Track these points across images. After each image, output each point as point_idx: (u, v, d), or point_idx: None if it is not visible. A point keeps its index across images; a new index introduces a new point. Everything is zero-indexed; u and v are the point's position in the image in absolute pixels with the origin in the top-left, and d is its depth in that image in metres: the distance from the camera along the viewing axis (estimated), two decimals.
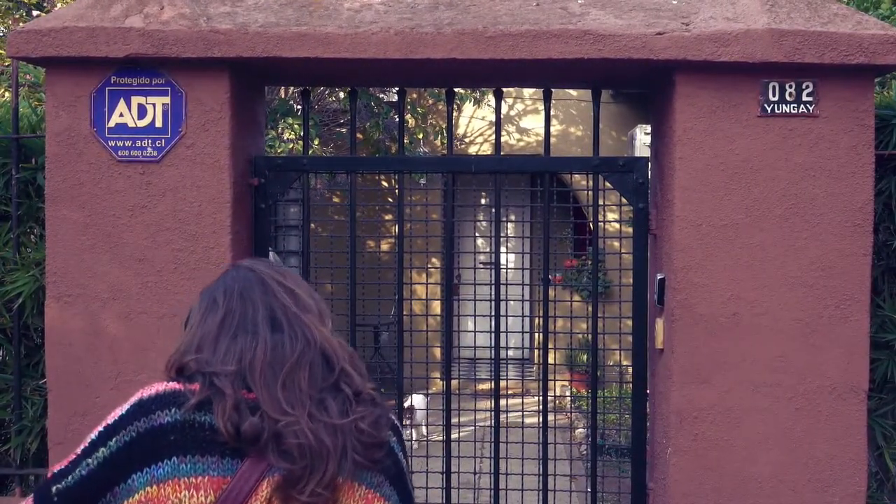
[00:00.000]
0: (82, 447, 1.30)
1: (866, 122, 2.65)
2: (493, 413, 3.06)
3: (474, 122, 9.02)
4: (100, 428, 1.30)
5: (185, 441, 1.25)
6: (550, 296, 3.09)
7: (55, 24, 2.65)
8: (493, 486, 3.05)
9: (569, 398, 7.28)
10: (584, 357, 7.66)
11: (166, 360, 1.38)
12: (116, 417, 1.30)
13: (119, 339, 2.70)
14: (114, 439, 1.27)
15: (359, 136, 7.27)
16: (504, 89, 3.18)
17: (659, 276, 2.82)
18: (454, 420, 3.22)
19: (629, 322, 2.99)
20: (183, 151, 2.70)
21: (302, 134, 3.21)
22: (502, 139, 3.23)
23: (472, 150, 8.97)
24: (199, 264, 2.70)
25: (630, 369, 2.99)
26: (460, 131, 8.94)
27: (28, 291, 2.98)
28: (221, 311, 1.37)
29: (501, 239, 3.04)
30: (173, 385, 1.30)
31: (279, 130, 6.79)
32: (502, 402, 3.10)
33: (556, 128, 8.75)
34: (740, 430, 2.66)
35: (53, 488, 1.28)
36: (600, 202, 3.15)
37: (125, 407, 1.30)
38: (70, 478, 1.28)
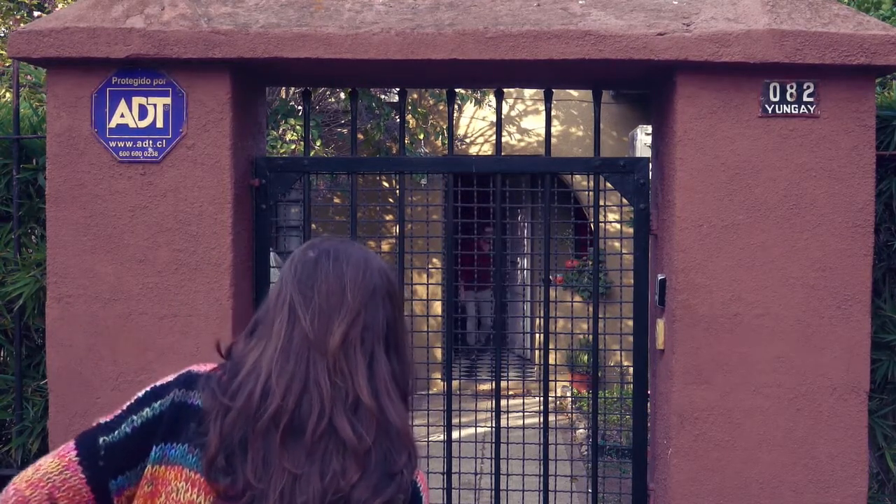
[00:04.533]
0: (129, 404, 1.26)
1: (867, 122, 2.65)
2: (493, 413, 3.06)
3: (475, 122, 9.02)
4: (148, 388, 1.27)
5: (201, 434, 1.20)
6: (551, 296, 3.08)
7: (56, 24, 2.66)
8: (493, 487, 3.05)
9: (570, 399, 7.28)
10: (585, 358, 7.66)
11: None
12: (167, 381, 1.26)
13: (120, 339, 2.70)
14: (158, 402, 1.24)
15: (360, 136, 7.28)
16: (505, 90, 3.18)
17: (660, 277, 2.82)
18: (454, 420, 3.21)
19: (630, 322, 2.99)
20: (184, 152, 2.70)
21: (303, 135, 3.21)
22: (503, 139, 3.23)
23: (473, 150, 8.97)
24: (199, 265, 2.70)
25: (631, 370, 2.99)
26: (461, 132, 8.94)
27: (29, 292, 2.98)
28: (268, 315, 1.26)
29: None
30: (217, 370, 1.26)
31: (280, 131, 6.79)
32: (503, 402, 3.10)
33: (556, 128, 8.75)
34: (741, 430, 2.66)
35: (101, 440, 1.24)
36: (601, 203, 3.15)
37: (178, 373, 1.27)
38: (117, 433, 1.24)
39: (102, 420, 1.27)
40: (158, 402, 1.24)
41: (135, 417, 1.23)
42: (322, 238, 1.36)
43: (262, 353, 1.23)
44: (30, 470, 1.24)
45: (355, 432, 1.19)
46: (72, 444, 1.26)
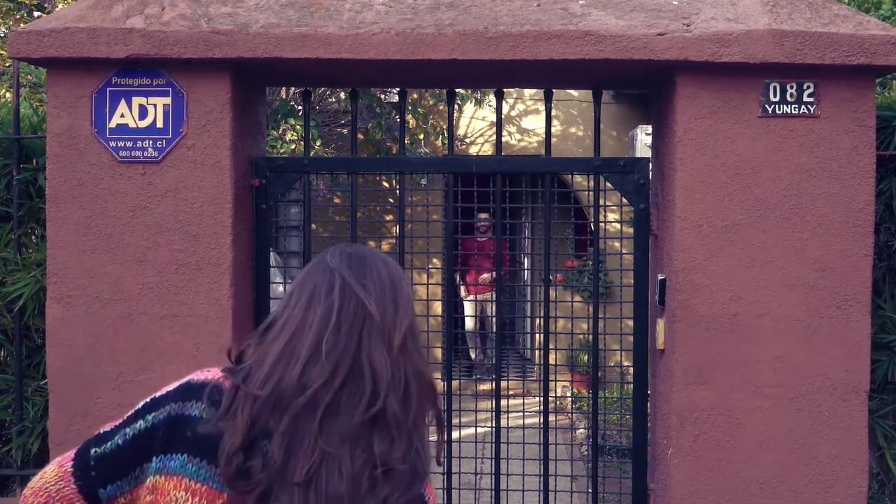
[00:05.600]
0: (128, 414, 1.29)
1: (867, 122, 2.65)
2: (493, 413, 3.06)
3: (475, 122, 9.02)
4: (147, 399, 1.29)
5: (198, 442, 1.21)
6: (551, 296, 3.08)
7: (56, 24, 2.66)
8: (493, 487, 3.05)
9: (570, 399, 7.28)
10: (585, 358, 7.66)
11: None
12: (164, 393, 1.28)
13: (120, 339, 2.70)
14: (152, 414, 1.25)
15: (360, 136, 7.28)
16: (505, 90, 3.18)
17: (660, 277, 2.82)
18: (454, 420, 3.21)
19: (630, 322, 2.99)
20: (184, 152, 2.70)
21: (303, 135, 3.21)
22: (503, 139, 3.23)
23: (473, 150, 8.97)
24: (199, 265, 2.70)
25: (631, 370, 2.99)
26: (461, 132, 8.94)
27: (29, 292, 2.99)
28: (287, 312, 1.27)
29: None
30: (220, 377, 1.26)
31: (280, 131, 6.79)
32: (503, 402, 3.10)
33: (556, 128, 8.75)
34: (741, 430, 2.66)
35: (92, 451, 1.28)
36: (601, 203, 3.15)
37: (177, 384, 1.28)
38: (109, 444, 1.27)
39: (105, 428, 1.30)
40: (152, 415, 1.25)
41: (128, 430, 1.27)
42: (346, 244, 1.39)
43: (291, 340, 1.23)
44: (36, 477, 1.31)
45: (406, 418, 1.22)
46: (72, 453, 1.30)
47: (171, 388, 1.28)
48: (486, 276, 8.20)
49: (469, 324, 8.68)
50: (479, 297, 8.37)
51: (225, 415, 1.20)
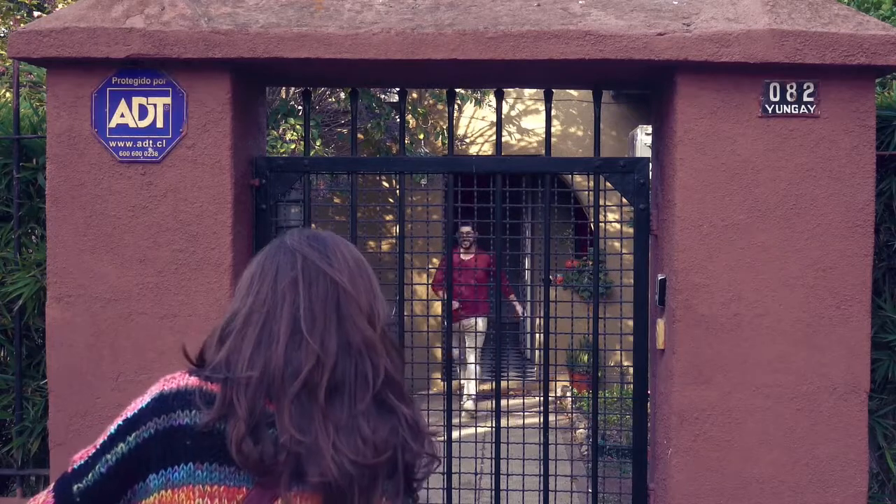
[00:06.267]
0: (101, 440, 1.24)
1: (867, 122, 2.65)
2: (494, 413, 3.06)
3: (475, 122, 9.02)
4: (119, 421, 1.24)
5: (202, 448, 1.19)
6: (551, 296, 3.08)
7: (56, 24, 2.66)
8: (493, 487, 3.05)
9: (570, 399, 7.28)
10: (585, 358, 7.66)
11: (205, 340, 1.29)
12: (136, 410, 1.23)
13: (120, 339, 2.70)
14: (132, 435, 1.21)
15: (360, 136, 7.28)
16: (505, 90, 3.17)
17: (660, 277, 2.82)
18: (454, 420, 3.21)
19: (630, 322, 2.99)
20: (184, 152, 2.70)
21: (303, 135, 3.21)
22: (503, 139, 3.23)
23: (473, 150, 8.97)
24: (199, 265, 2.70)
25: (631, 370, 2.99)
26: (461, 132, 8.94)
27: (29, 292, 2.99)
28: (250, 298, 1.25)
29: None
30: (194, 381, 1.22)
31: (280, 131, 6.79)
32: (503, 402, 3.10)
33: (556, 128, 8.75)
34: (741, 430, 2.66)
35: (74, 487, 1.23)
36: (601, 203, 3.15)
37: (145, 399, 1.23)
38: (90, 475, 1.22)
39: (76, 461, 1.25)
40: (133, 436, 1.21)
41: (108, 456, 1.22)
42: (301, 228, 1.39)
43: (265, 324, 1.22)
44: None
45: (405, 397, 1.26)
46: (49, 494, 1.25)
47: (142, 404, 1.23)
48: (469, 320, 6.82)
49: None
50: (463, 322, 6.98)
51: (223, 409, 1.18)
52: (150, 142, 2.71)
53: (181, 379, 1.24)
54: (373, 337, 1.25)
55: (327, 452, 1.16)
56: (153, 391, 1.23)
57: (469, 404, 6.76)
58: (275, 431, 1.18)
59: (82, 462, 1.24)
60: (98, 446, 1.24)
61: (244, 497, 1.18)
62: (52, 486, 1.26)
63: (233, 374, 1.20)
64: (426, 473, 1.30)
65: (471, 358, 7.00)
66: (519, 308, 7.18)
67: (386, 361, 1.25)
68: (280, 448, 1.17)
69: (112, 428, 1.24)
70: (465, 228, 7.05)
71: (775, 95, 2.64)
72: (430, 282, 6.67)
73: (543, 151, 3.12)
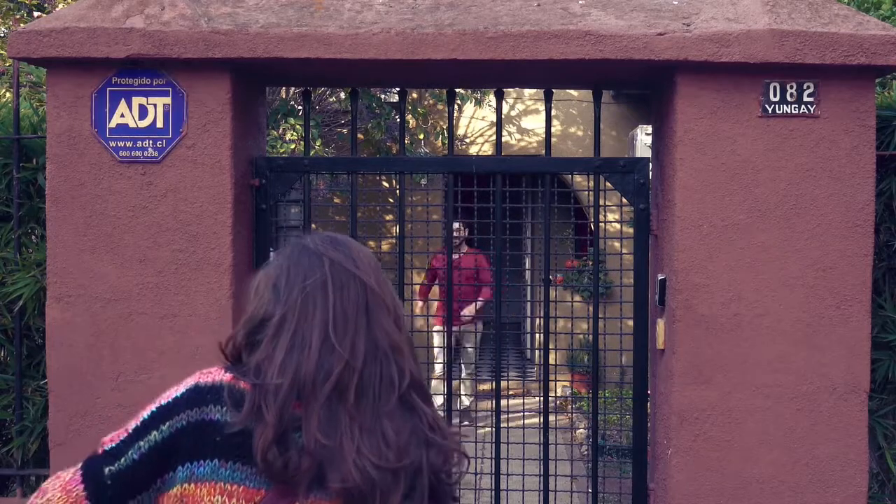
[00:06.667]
0: (134, 425, 1.23)
1: (867, 122, 2.65)
2: (493, 413, 3.06)
3: (475, 122, 9.02)
4: (153, 408, 1.23)
5: (229, 446, 1.19)
6: (551, 296, 3.08)
7: (56, 24, 2.66)
8: (493, 487, 3.05)
9: (570, 399, 7.28)
10: (585, 358, 7.65)
11: (227, 337, 1.29)
12: (171, 399, 1.23)
13: (120, 339, 2.70)
14: (167, 424, 1.21)
15: (360, 136, 7.27)
16: (505, 90, 3.17)
17: (660, 277, 2.82)
18: (454, 420, 3.21)
19: (630, 322, 2.99)
20: (184, 152, 2.70)
21: (303, 135, 3.21)
22: (503, 139, 3.23)
23: (473, 150, 8.97)
24: (199, 265, 2.70)
25: (631, 370, 2.99)
26: (461, 132, 8.94)
27: (29, 292, 2.99)
28: (280, 304, 1.25)
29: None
30: (229, 377, 1.22)
31: (280, 131, 6.79)
32: (503, 402, 3.10)
33: (556, 128, 8.74)
34: (741, 430, 2.66)
35: (106, 470, 1.21)
36: (601, 203, 3.15)
37: (180, 389, 1.23)
38: (123, 460, 1.21)
39: (107, 443, 1.24)
40: (167, 425, 1.21)
41: (141, 443, 1.21)
42: (314, 231, 1.40)
43: (297, 330, 1.22)
44: (37, 502, 1.23)
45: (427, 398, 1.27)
46: (78, 476, 1.23)
47: (176, 393, 1.23)
48: (467, 310, 6.43)
49: (437, 368, 5.98)
50: (455, 327, 6.15)
51: (251, 414, 1.18)
52: (150, 142, 2.71)
53: (217, 374, 1.24)
54: (399, 339, 1.25)
55: (350, 456, 1.16)
56: (189, 382, 1.23)
57: (466, 402, 6.60)
58: (301, 436, 1.18)
59: (114, 445, 1.23)
60: (130, 431, 1.23)
61: (262, 499, 1.19)
62: (78, 465, 1.24)
63: (263, 381, 1.20)
64: (458, 473, 1.29)
65: (465, 367, 6.80)
66: (468, 310, 6.51)
67: (410, 363, 1.26)
68: (304, 455, 1.16)
69: (145, 414, 1.24)
70: (455, 225, 6.20)
71: (775, 95, 2.64)
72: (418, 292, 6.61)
73: (543, 151, 3.12)
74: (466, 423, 6.08)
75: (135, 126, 2.71)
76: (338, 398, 1.19)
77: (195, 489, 1.20)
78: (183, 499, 1.21)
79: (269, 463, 1.16)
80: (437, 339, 6.54)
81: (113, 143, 2.71)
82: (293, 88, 6.99)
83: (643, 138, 5.71)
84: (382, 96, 7.60)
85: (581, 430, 6.49)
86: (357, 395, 1.20)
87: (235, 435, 1.18)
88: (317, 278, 1.25)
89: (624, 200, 2.96)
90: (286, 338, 1.22)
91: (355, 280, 1.26)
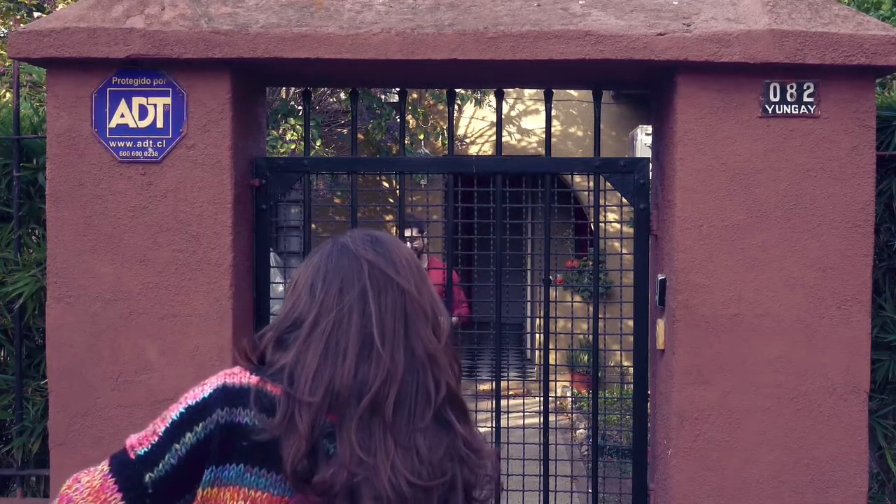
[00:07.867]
0: (164, 428, 1.18)
1: (867, 122, 2.65)
2: (494, 413, 3.06)
3: (475, 122, 9.02)
4: (180, 408, 1.18)
5: (255, 451, 1.15)
6: (551, 296, 3.08)
7: (56, 24, 2.66)
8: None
9: (570, 399, 7.28)
10: (585, 358, 7.66)
11: (255, 336, 1.24)
12: (199, 399, 1.18)
13: (120, 339, 2.70)
14: (200, 425, 1.16)
15: (360, 136, 7.27)
16: (505, 90, 3.17)
17: (660, 277, 2.82)
18: None
19: (630, 323, 2.99)
20: (184, 152, 2.71)
21: (303, 135, 3.22)
22: (503, 139, 3.23)
23: (473, 150, 8.97)
24: (200, 265, 2.70)
25: (631, 370, 2.99)
26: (461, 132, 8.94)
27: (29, 292, 2.99)
28: (315, 305, 1.20)
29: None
30: (255, 380, 1.18)
31: (280, 131, 6.79)
32: (503, 402, 3.10)
33: (556, 128, 8.75)
34: (741, 430, 2.66)
35: (146, 477, 1.16)
36: (601, 203, 3.15)
37: (206, 389, 1.18)
38: (161, 465, 1.16)
39: (137, 446, 1.19)
40: (201, 425, 1.16)
41: (178, 446, 1.17)
42: (354, 229, 1.36)
43: (332, 335, 1.18)
44: None
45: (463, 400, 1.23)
46: (111, 482, 1.17)
47: (203, 393, 1.19)
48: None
49: None
50: None
51: (282, 423, 1.14)
52: (150, 142, 2.71)
53: (242, 375, 1.19)
54: (436, 349, 1.20)
55: (384, 473, 1.12)
56: (214, 382, 1.19)
57: None
58: (332, 446, 1.15)
59: (147, 449, 1.18)
60: (160, 434, 1.18)
61: None
62: (102, 469, 1.19)
63: (296, 390, 1.16)
64: (487, 497, 1.25)
65: None
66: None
67: (448, 376, 1.21)
68: (339, 468, 1.12)
69: (173, 415, 1.18)
70: (408, 232, 5.24)
71: (775, 95, 2.64)
72: None
73: (543, 151, 3.12)
74: None
75: (135, 126, 2.71)
76: (373, 411, 1.15)
77: (218, 493, 1.16)
78: (204, 502, 1.17)
79: (298, 476, 1.12)
80: None
81: (113, 144, 2.71)
82: (293, 88, 6.99)
83: (643, 138, 5.71)
84: (382, 97, 7.60)
85: (581, 431, 6.49)
86: (394, 408, 1.15)
87: (264, 440, 1.15)
88: (354, 283, 1.20)
89: (624, 200, 2.96)
90: (320, 343, 1.18)
91: (394, 285, 1.21)
